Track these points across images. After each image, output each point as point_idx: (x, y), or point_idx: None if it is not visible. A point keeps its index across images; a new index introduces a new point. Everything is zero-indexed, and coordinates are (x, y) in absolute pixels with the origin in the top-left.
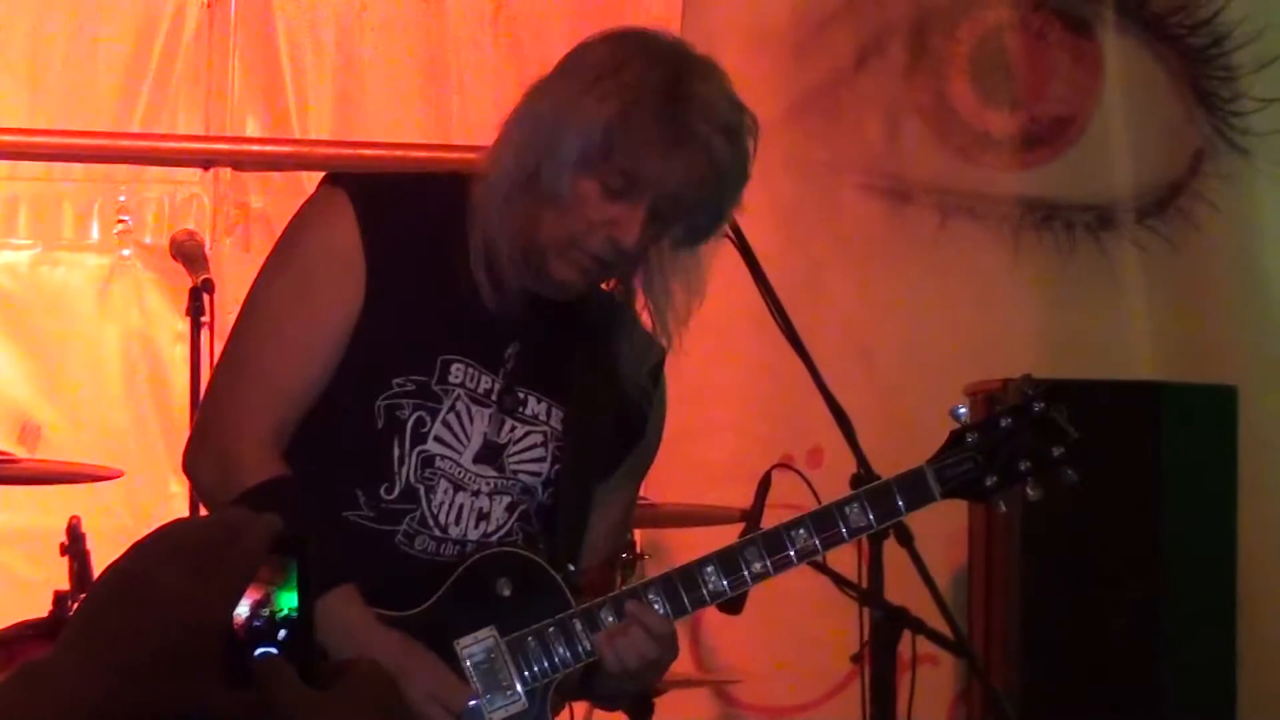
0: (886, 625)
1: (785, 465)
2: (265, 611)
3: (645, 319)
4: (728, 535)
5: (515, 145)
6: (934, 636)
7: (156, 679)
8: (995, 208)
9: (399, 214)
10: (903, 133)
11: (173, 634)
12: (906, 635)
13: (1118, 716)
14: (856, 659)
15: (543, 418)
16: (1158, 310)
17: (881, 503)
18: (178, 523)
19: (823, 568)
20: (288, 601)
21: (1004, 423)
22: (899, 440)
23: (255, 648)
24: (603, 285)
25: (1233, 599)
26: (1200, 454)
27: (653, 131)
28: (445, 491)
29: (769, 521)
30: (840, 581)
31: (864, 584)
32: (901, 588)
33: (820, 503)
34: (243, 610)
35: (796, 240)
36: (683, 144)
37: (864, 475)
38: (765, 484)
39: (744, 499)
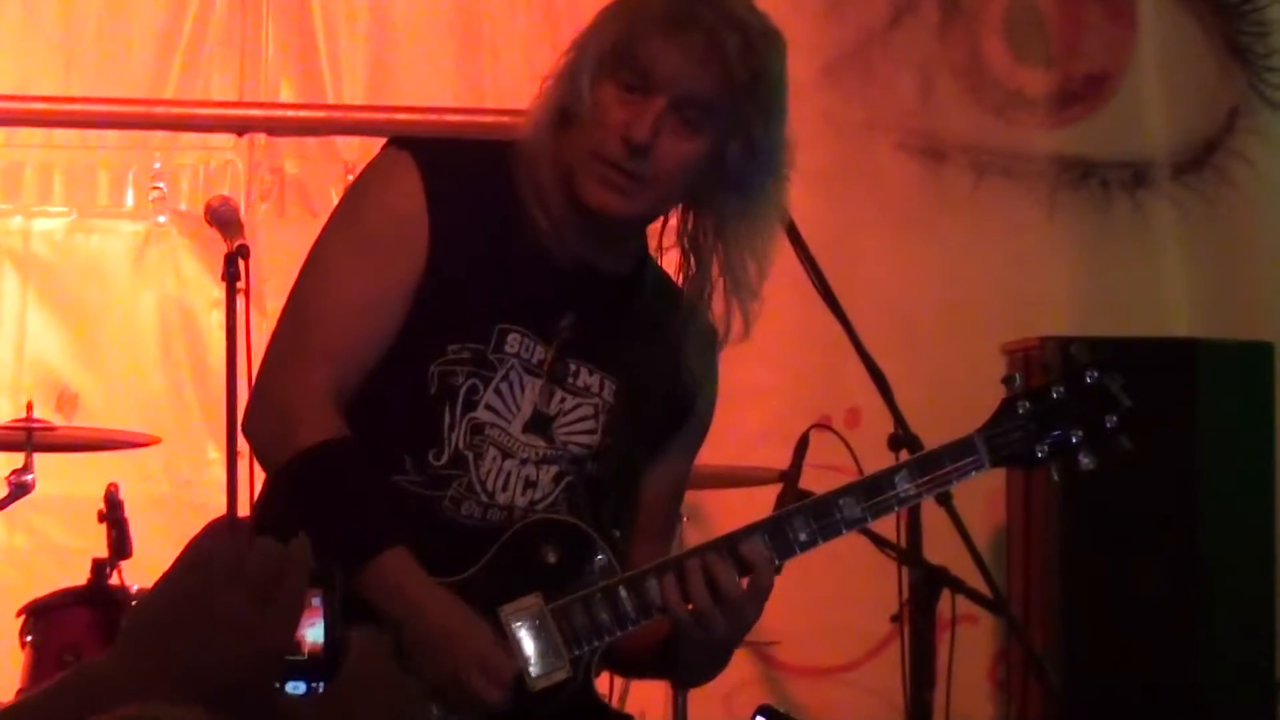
0: (926, 585)
1: (823, 426)
2: (314, 641)
3: (704, 302)
4: (766, 496)
5: (548, 89)
6: (973, 596)
7: (214, 699)
8: (1030, 166)
9: (464, 179)
10: (937, 92)
11: (237, 658)
12: (946, 594)
13: (1157, 673)
14: (896, 619)
15: (594, 389)
16: (1194, 267)
17: (931, 471)
18: (223, 540)
19: (862, 528)
20: (323, 633)
21: (1056, 392)
22: (936, 400)
23: (306, 677)
24: (665, 271)
25: (1271, 554)
26: (1237, 410)
27: (656, 17)
28: (493, 459)
29: (806, 482)
30: (880, 541)
31: (903, 544)
32: (940, 547)
33: (858, 463)
34: (302, 636)
35: (831, 200)
36: (684, 26)
37: (902, 435)
38: (803, 445)
39: (782, 460)
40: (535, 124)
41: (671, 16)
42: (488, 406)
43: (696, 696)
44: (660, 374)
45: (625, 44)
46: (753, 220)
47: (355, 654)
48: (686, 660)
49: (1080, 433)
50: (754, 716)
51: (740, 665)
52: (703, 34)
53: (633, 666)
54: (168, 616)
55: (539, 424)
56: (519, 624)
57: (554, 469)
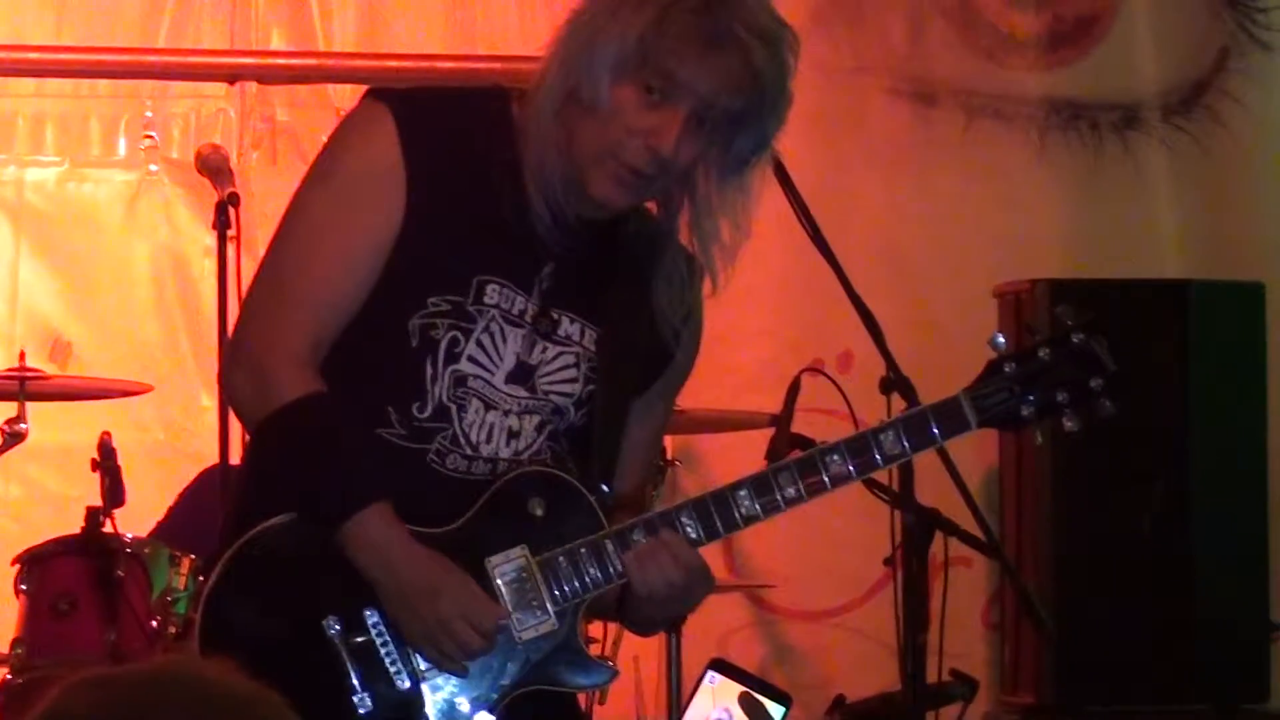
0: (918, 528)
1: (815, 369)
2: None
3: (685, 247)
4: (758, 440)
5: (558, 62)
6: (966, 538)
7: None
8: (1021, 109)
9: (441, 130)
10: (927, 35)
11: None
12: (939, 537)
13: (1150, 614)
14: (889, 562)
15: (576, 338)
16: (1185, 208)
17: (917, 431)
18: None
19: None
20: None
21: (1042, 353)
22: (928, 343)
23: None
24: (645, 206)
25: (1263, 494)
26: (1228, 350)
27: (690, 29)
28: (476, 410)
29: (799, 426)
30: (872, 485)
31: (895, 487)
32: (933, 489)
33: (851, 406)
34: None
35: (823, 144)
36: (720, 44)
37: (893, 379)
38: (795, 388)
39: (774, 404)
40: (539, 106)
41: (705, 32)
42: (470, 358)
43: (690, 642)
44: (642, 321)
45: (652, 49)
46: (736, 188)
47: None
48: (639, 620)
49: (1065, 395)
50: (706, 669)
51: (735, 609)
52: (738, 54)
53: (592, 609)
54: None
55: (521, 374)
56: (505, 576)
57: (536, 419)
